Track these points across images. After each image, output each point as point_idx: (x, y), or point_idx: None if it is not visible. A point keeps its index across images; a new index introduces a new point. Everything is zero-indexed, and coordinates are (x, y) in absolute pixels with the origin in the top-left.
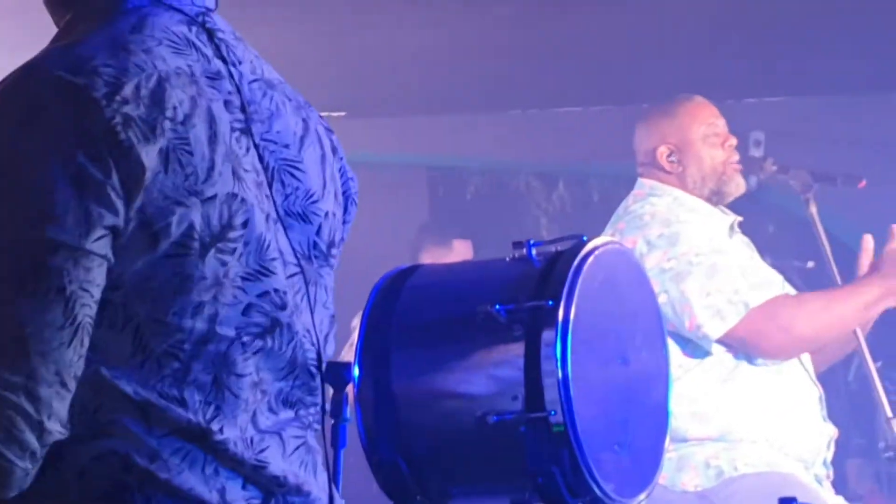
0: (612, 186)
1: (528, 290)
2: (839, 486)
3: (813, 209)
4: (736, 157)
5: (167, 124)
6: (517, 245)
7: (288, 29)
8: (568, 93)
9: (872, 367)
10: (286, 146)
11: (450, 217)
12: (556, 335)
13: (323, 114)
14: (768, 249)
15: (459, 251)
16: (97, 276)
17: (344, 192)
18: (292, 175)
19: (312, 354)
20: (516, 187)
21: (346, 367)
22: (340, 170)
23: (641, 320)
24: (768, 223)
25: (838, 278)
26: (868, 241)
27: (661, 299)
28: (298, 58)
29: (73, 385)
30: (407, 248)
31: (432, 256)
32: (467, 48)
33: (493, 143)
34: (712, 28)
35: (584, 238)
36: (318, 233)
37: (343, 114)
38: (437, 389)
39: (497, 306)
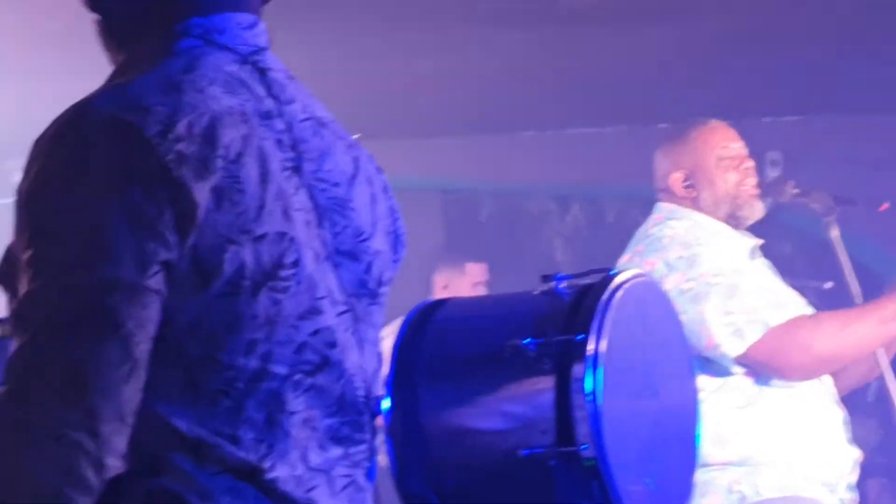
0: (627, 207)
1: (557, 324)
2: None
3: (835, 232)
4: (752, 180)
5: (219, 162)
6: (545, 278)
7: (305, 53)
8: (582, 114)
9: (893, 386)
10: (336, 185)
11: (464, 240)
12: (586, 369)
13: None
14: (785, 270)
15: (473, 274)
16: (153, 313)
17: (393, 231)
18: (342, 214)
19: (361, 392)
20: (530, 209)
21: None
22: (390, 209)
23: (670, 352)
24: (785, 243)
25: (859, 300)
26: None
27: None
28: (315, 80)
29: (131, 420)
30: (421, 272)
31: (446, 279)
32: (481, 71)
33: (507, 166)
34: (728, 46)
35: (613, 272)
36: (367, 271)
37: (358, 136)
38: (466, 424)
39: (526, 340)
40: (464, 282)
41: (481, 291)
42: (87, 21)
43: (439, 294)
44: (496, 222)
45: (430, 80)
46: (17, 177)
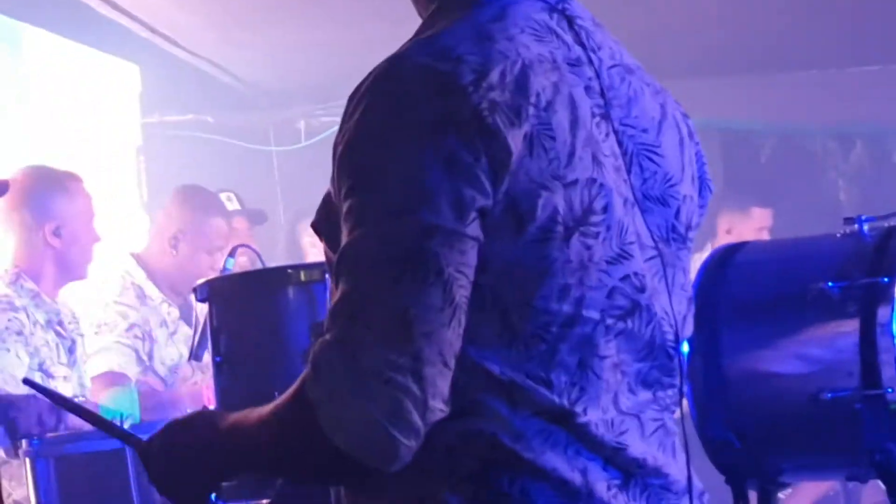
0: None
1: (861, 267)
2: None
3: None
4: None
5: (531, 110)
6: (848, 220)
7: None
8: (864, 52)
9: None
10: (644, 131)
11: (744, 181)
12: (893, 311)
13: None
14: None
15: (758, 219)
16: (471, 258)
17: (700, 177)
18: (650, 160)
19: (671, 336)
20: (812, 149)
21: None
22: (696, 154)
23: None
24: None
25: None
26: None
27: None
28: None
29: (453, 364)
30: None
31: (729, 223)
32: (763, 9)
33: (787, 105)
34: None
35: None
36: (676, 216)
37: None
38: (767, 366)
39: (830, 283)
40: (748, 226)
41: (765, 236)
42: None
43: (722, 237)
44: (777, 163)
45: (710, 20)
46: (302, 124)
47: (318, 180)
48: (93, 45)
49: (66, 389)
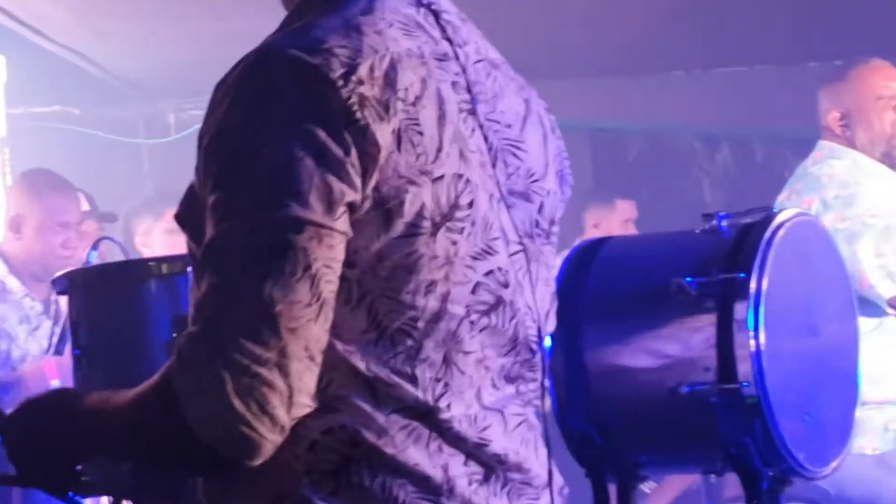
0: (776, 148)
1: (719, 263)
2: None
3: None
4: None
5: (399, 105)
6: (707, 217)
7: None
8: (730, 53)
9: None
10: (509, 126)
11: (613, 179)
12: (749, 307)
13: None
14: None
15: (623, 211)
16: (339, 253)
17: (561, 171)
18: (515, 155)
19: (533, 331)
20: (679, 149)
21: None
22: (559, 149)
23: (832, 291)
24: None
25: None
26: None
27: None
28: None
29: (320, 359)
30: (569, 210)
31: (596, 218)
32: (631, 9)
33: (655, 105)
34: None
35: (774, 210)
36: (539, 211)
37: None
38: (628, 361)
39: (688, 279)
40: (614, 218)
41: (631, 228)
42: None
43: (590, 232)
44: (644, 162)
45: (579, 19)
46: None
47: (189, 174)
48: None
49: None
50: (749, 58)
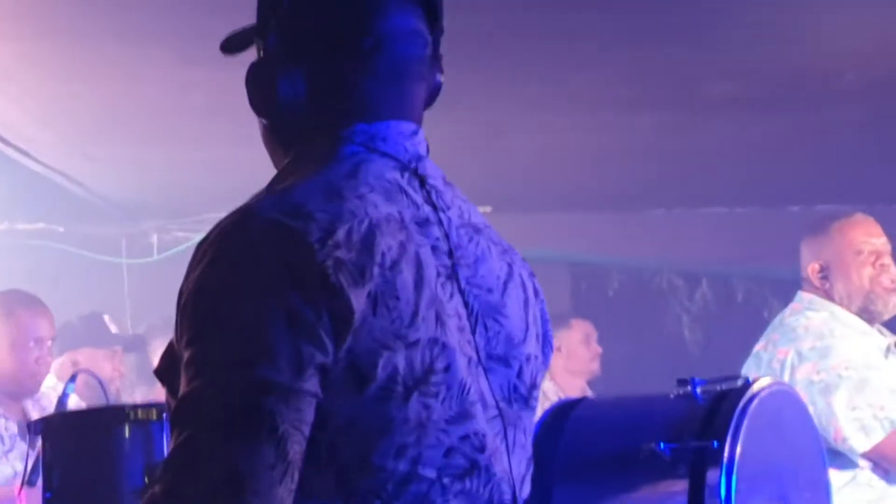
0: (756, 287)
1: (692, 430)
2: None
3: None
4: (889, 276)
5: (376, 269)
6: (681, 382)
7: (441, 128)
8: (712, 194)
9: None
10: (490, 290)
11: (592, 313)
12: (721, 476)
13: None
14: None
15: (579, 328)
16: (307, 416)
17: (544, 334)
18: (495, 319)
19: (508, 496)
20: (659, 286)
21: None
22: (542, 312)
23: (805, 462)
24: None
25: None
26: None
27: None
28: (450, 155)
29: None
30: None
31: (557, 342)
32: (617, 151)
33: (636, 242)
34: (859, 133)
35: (750, 379)
36: (518, 375)
37: (489, 209)
38: None
39: (661, 444)
40: (573, 337)
41: (594, 345)
42: (229, 95)
43: (554, 356)
44: (624, 297)
45: (563, 159)
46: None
47: (170, 295)
48: None
49: None
50: (730, 199)
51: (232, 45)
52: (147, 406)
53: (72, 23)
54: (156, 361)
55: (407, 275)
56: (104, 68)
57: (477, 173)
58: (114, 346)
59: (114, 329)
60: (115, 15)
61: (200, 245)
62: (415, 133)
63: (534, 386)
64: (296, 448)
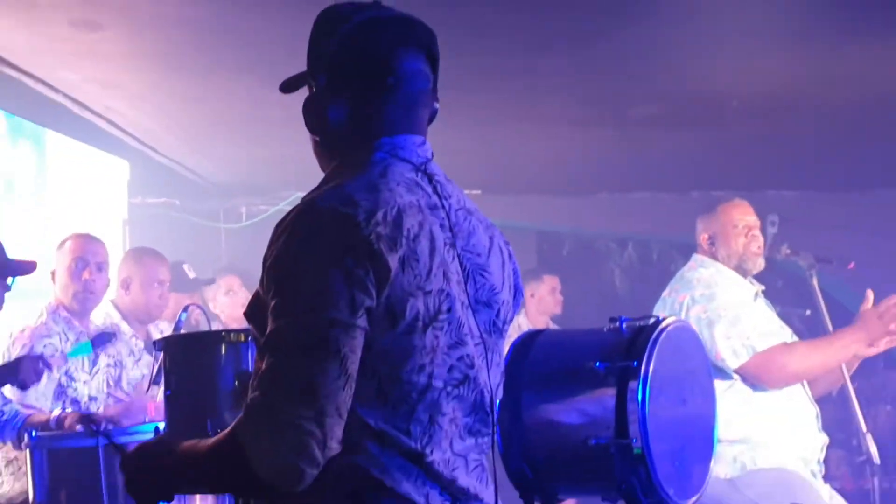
0: (667, 250)
1: (620, 353)
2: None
3: (815, 282)
4: (757, 244)
5: (403, 241)
6: (612, 319)
7: (446, 136)
8: (640, 183)
9: (852, 391)
10: (478, 255)
11: (551, 268)
12: (639, 386)
13: (465, 191)
14: (777, 300)
15: (548, 282)
16: (360, 343)
17: (515, 286)
18: (481, 275)
19: (488, 399)
20: (599, 248)
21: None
22: (514, 270)
23: (698, 375)
24: (777, 279)
25: (830, 326)
26: (869, 293)
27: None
28: (452, 155)
29: (345, 416)
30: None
31: (531, 288)
32: (568, 152)
33: (584, 217)
34: (743, 145)
35: (660, 318)
36: (496, 315)
37: (479, 192)
38: (553, 418)
39: (598, 363)
40: (543, 288)
41: (558, 296)
42: (296, 111)
43: (528, 300)
44: (574, 256)
45: (535, 158)
46: (244, 209)
47: (255, 251)
48: (98, 147)
49: (84, 390)
50: (651, 186)
51: (288, 86)
52: (237, 331)
53: (188, 60)
54: (221, 295)
55: (424, 244)
56: (211, 91)
57: (470, 166)
58: (192, 290)
59: (191, 275)
60: (211, 52)
61: (279, 225)
62: (423, 143)
63: (506, 322)
64: (353, 366)
